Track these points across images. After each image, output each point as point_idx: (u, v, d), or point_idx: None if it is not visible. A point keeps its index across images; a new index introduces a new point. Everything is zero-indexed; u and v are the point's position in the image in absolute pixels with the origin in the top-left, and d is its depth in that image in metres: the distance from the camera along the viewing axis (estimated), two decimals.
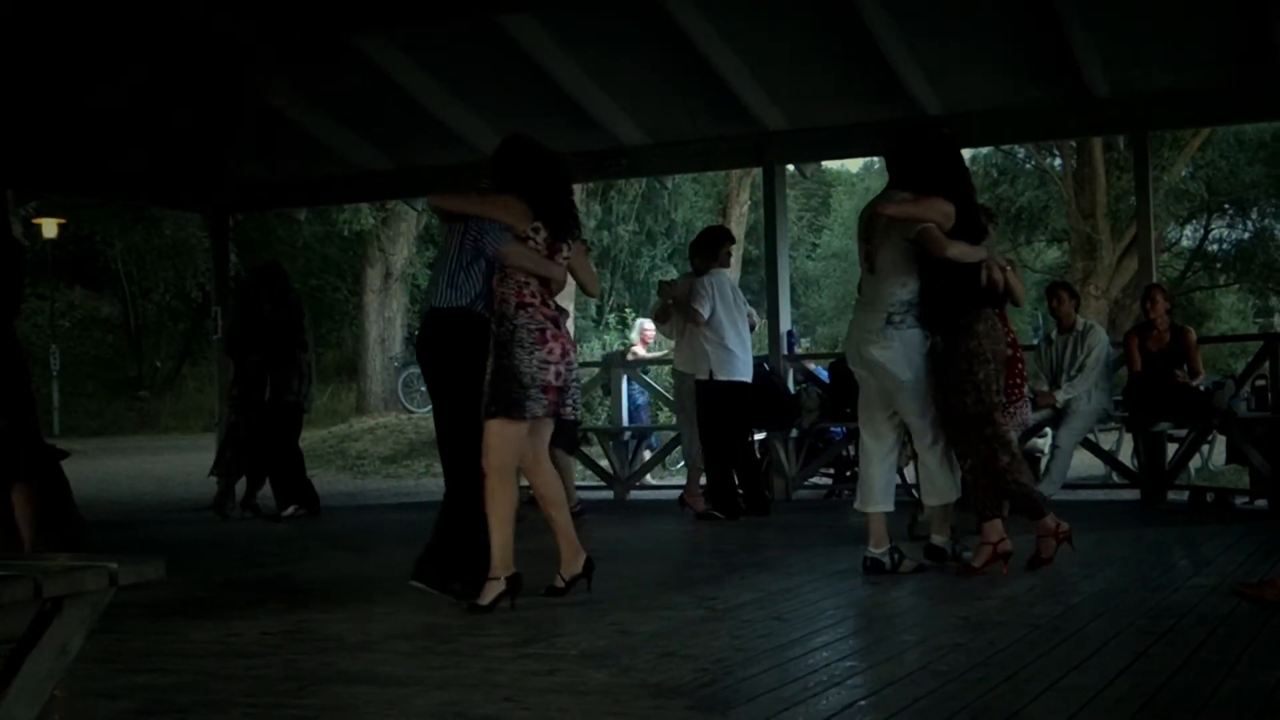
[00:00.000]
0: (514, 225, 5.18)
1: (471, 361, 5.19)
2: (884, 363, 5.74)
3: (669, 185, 20.53)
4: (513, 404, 5.06)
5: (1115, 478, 9.80)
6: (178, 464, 17.44)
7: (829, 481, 10.62)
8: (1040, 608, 4.83)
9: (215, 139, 10.65)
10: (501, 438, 5.07)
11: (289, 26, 9.27)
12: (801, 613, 4.97)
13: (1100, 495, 9.72)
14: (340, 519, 9.72)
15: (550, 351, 5.11)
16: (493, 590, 5.00)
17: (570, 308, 6.83)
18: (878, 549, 5.78)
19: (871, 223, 5.81)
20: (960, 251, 5.62)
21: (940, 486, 5.88)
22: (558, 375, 5.12)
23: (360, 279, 22.38)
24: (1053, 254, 28.16)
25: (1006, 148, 23.64)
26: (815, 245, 37.01)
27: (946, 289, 5.69)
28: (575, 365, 5.27)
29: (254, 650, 4.38)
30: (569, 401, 5.24)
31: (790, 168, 11.06)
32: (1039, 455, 9.27)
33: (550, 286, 5.25)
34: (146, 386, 30.27)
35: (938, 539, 5.99)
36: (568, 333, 5.27)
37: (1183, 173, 23.38)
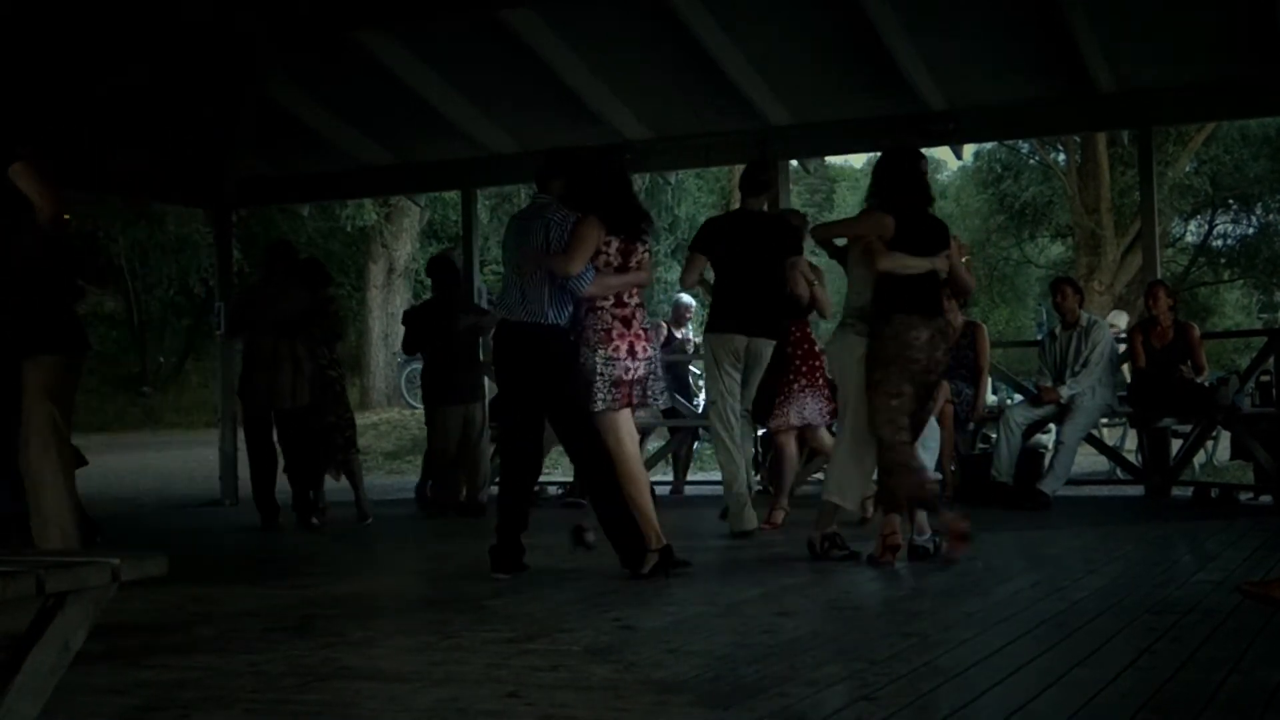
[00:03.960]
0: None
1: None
2: (830, 359, 6.34)
3: (672, 180, 20.47)
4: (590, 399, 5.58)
5: (1119, 473, 9.79)
6: (181, 460, 17.44)
7: None
8: (1044, 603, 4.82)
9: (217, 135, 10.65)
10: (602, 427, 5.60)
11: (291, 22, 9.27)
12: (805, 608, 4.97)
13: (1104, 491, 9.72)
14: (343, 514, 9.70)
15: (615, 349, 5.55)
16: (650, 561, 5.56)
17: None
18: (920, 536, 6.03)
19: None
20: (894, 264, 5.87)
21: (836, 483, 6.10)
22: (627, 371, 5.55)
23: (364, 274, 22.36)
24: (1056, 249, 28.09)
25: (1010, 143, 23.57)
26: None
27: (880, 298, 5.95)
28: (654, 359, 5.66)
29: (257, 646, 4.37)
30: (649, 392, 5.66)
31: (793, 163, 11.02)
32: (1043, 451, 9.26)
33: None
34: (150, 382, 30.25)
35: (813, 534, 6.18)
36: (642, 330, 5.66)
37: (1187, 168, 23.30)
